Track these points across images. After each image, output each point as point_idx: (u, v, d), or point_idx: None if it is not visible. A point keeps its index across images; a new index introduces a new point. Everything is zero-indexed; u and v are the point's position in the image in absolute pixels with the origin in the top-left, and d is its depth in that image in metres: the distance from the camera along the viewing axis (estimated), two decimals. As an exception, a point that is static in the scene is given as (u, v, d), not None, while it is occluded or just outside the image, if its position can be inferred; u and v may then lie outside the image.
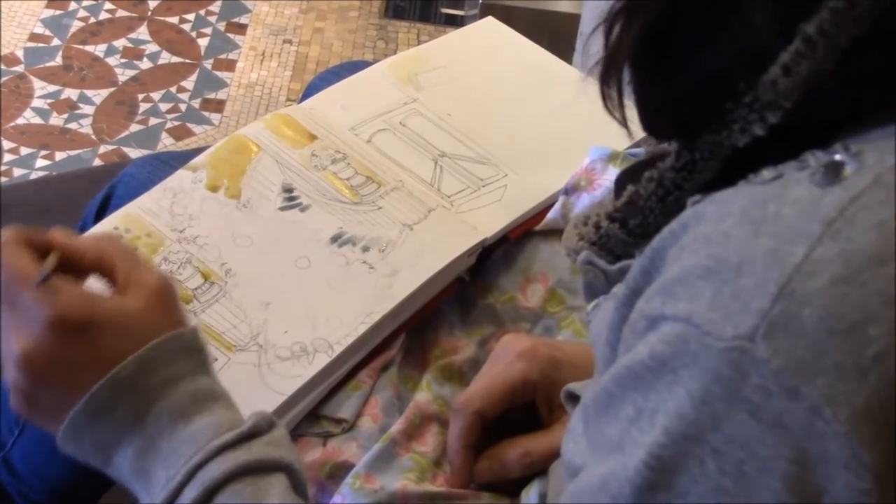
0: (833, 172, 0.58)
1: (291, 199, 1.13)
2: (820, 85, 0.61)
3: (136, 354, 0.76)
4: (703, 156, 0.66)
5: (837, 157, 0.58)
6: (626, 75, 0.69)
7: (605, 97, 0.69)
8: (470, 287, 1.13)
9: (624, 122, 0.71)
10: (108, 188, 1.23)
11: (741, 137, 0.63)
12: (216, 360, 0.99)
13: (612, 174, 1.12)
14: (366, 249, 1.09)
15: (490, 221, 1.14)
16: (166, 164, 1.20)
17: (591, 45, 0.70)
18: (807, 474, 0.54)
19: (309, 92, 1.33)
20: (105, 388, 0.75)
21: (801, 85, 0.61)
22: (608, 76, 0.68)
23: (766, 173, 0.60)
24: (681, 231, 0.61)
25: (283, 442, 0.79)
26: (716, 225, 0.58)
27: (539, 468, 0.95)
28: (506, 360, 0.98)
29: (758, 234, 0.56)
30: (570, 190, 1.14)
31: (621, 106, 0.70)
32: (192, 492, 0.74)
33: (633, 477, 0.58)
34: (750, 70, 0.63)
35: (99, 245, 0.81)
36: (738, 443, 0.55)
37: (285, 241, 1.10)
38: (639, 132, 0.71)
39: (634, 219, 0.72)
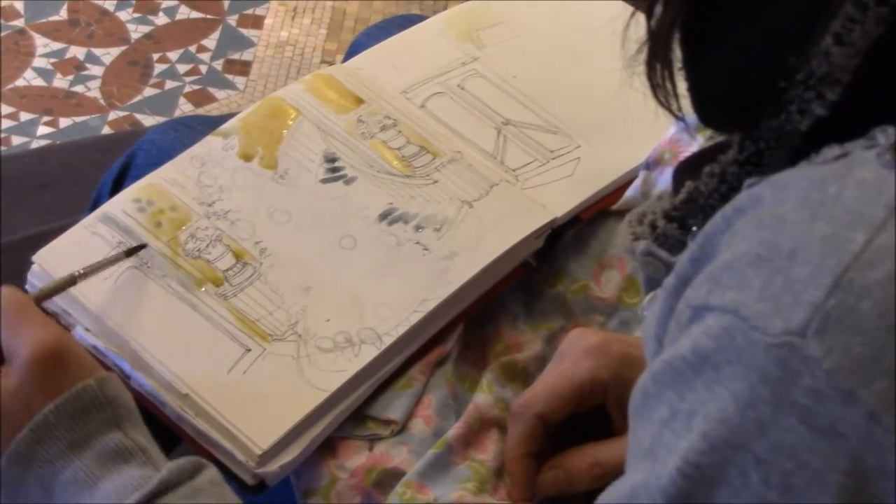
0: None
1: (335, 170, 1.14)
2: (878, 53, 0.62)
3: (30, 424, 0.81)
4: (769, 145, 0.67)
5: None
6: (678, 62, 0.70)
7: (654, 86, 0.70)
8: (536, 273, 1.14)
9: (679, 114, 0.72)
10: (127, 156, 1.25)
11: (802, 120, 0.64)
12: (249, 350, 1.01)
13: (700, 146, 1.12)
14: (419, 228, 1.10)
15: (560, 199, 1.14)
16: (193, 130, 1.22)
17: (632, 29, 0.71)
18: (864, 487, 0.55)
19: (354, 49, 1.34)
20: (8, 466, 0.80)
21: (858, 54, 0.62)
22: (654, 62, 0.70)
23: (830, 152, 0.61)
24: (734, 216, 0.62)
25: (206, 489, 0.82)
26: (771, 208, 0.59)
27: (611, 480, 0.95)
28: (572, 357, 0.99)
29: (815, 218, 0.57)
30: (652, 164, 1.14)
31: (675, 95, 0.71)
32: None
33: (666, 486, 0.58)
34: (800, 42, 0.63)
35: None
36: (786, 452, 0.55)
37: (328, 218, 1.11)
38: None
39: (694, 218, 0.73)
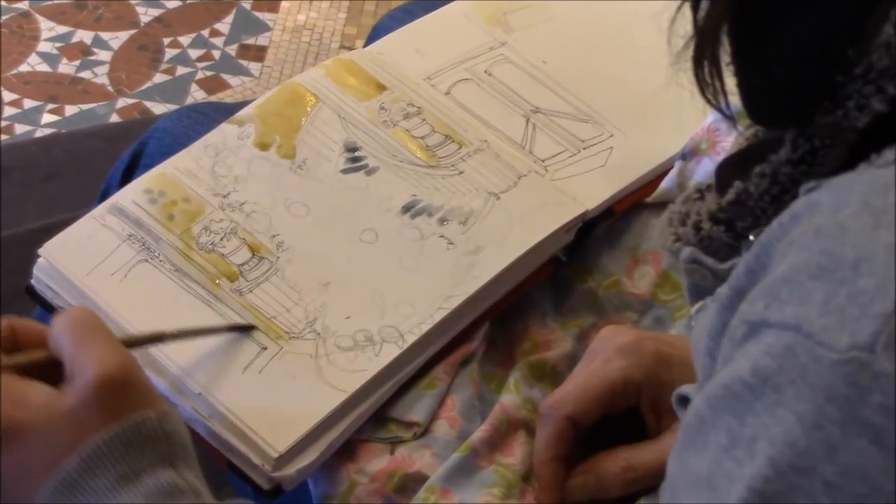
0: None
1: (355, 160, 1.15)
2: None
3: (80, 451, 0.79)
4: (825, 143, 0.67)
5: None
6: (725, 57, 0.69)
7: (701, 83, 0.70)
8: (566, 269, 1.14)
9: (727, 112, 0.72)
10: (138, 145, 1.26)
11: (860, 116, 0.64)
12: (265, 349, 1.02)
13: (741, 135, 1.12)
14: (444, 222, 1.11)
15: (592, 191, 1.15)
16: (207, 117, 1.22)
17: (679, 24, 0.71)
18: None
19: (377, 33, 1.35)
20: (53, 494, 0.79)
21: None
22: (702, 56, 0.69)
23: (890, 154, 0.60)
24: (791, 223, 0.61)
25: None
26: (831, 215, 0.59)
27: (644, 485, 0.96)
28: (604, 356, 0.99)
29: (878, 226, 0.57)
30: (689, 154, 1.15)
31: (723, 92, 0.71)
32: None
33: None
34: (859, 33, 0.63)
35: (53, 330, 0.85)
36: (858, 475, 0.55)
37: (348, 211, 1.12)
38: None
39: (743, 221, 0.73)
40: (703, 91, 0.71)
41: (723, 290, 0.66)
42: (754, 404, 0.58)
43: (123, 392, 0.82)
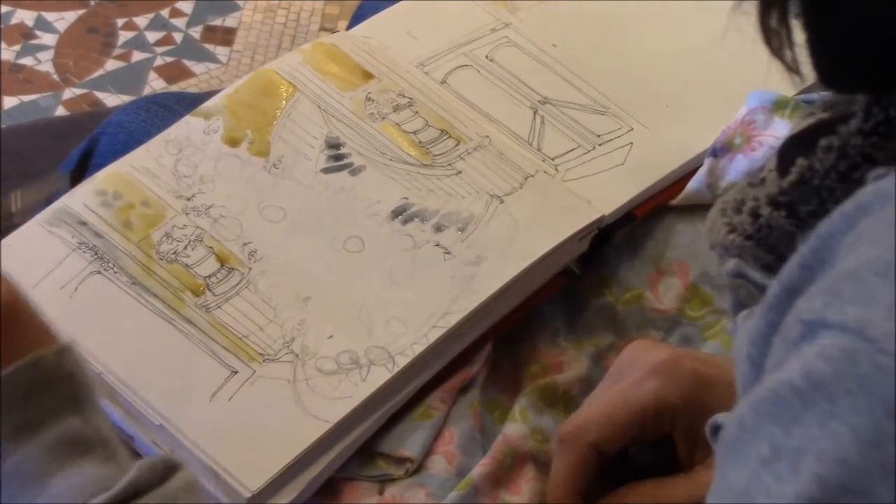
0: None
1: (338, 157, 1.16)
2: None
3: None
4: None
5: None
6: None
7: (767, 32, 0.70)
8: (580, 282, 1.15)
9: (794, 66, 0.72)
10: (89, 142, 1.26)
11: None
12: (235, 372, 1.02)
13: (778, 129, 1.12)
14: (439, 228, 1.12)
15: (609, 193, 1.15)
16: (168, 109, 1.23)
17: None
18: None
19: (362, 13, 1.35)
20: None
21: None
22: (771, 2, 0.68)
23: None
24: (857, 214, 0.61)
25: (179, 496, 0.81)
26: None
27: (673, 526, 0.97)
28: (634, 375, 0.99)
29: None
30: (720, 150, 1.15)
31: (790, 43, 0.70)
32: None
33: None
34: None
35: None
36: None
37: (330, 215, 1.12)
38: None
39: (807, 204, 0.72)
40: (768, 41, 0.70)
41: (771, 289, 0.66)
42: (803, 414, 0.58)
43: (11, 327, 0.81)
